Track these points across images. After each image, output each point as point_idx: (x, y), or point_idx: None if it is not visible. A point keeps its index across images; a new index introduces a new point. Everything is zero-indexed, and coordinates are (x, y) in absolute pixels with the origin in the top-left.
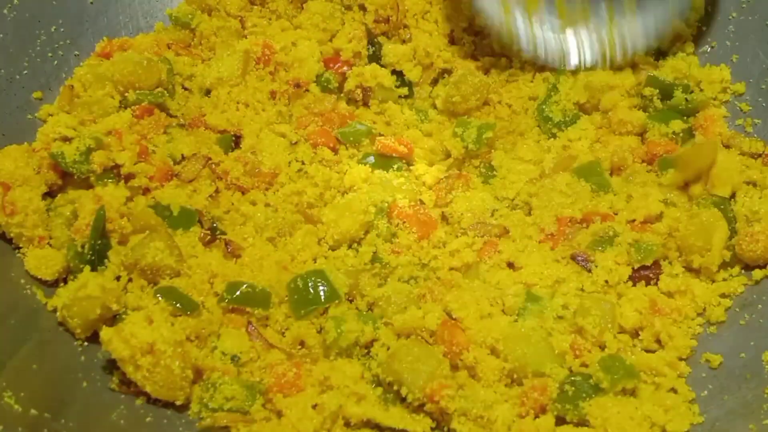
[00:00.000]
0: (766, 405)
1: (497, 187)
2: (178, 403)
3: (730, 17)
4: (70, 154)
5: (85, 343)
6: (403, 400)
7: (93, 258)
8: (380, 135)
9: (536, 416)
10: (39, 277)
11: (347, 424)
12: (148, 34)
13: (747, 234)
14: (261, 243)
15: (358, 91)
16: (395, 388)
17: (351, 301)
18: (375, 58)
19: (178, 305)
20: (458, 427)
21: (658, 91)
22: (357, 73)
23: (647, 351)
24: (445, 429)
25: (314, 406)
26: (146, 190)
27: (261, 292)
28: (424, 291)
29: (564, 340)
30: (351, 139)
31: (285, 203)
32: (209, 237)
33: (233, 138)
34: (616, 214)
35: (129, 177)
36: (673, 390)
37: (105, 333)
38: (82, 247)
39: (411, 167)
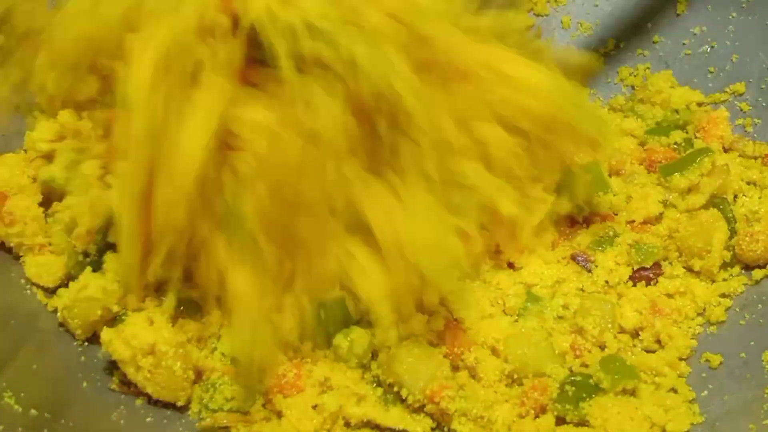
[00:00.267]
0: (766, 405)
1: None
2: (179, 404)
3: (730, 17)
4: (59, 176)
5: (86, 344)
6: (404, 400)
7: (96, 259)
8: None
9: (536, 416)
10: (41, 284)
11: (347, 425)
12: None
13: (747, 234)
14: None
15: None
16: (395, 389)
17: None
18: None
19: (181, 308)
20: (458, 428)
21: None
22: None
23: (647, 351)
24: (446, 429)
25: (314, 407)
26: None
27: None
28: None
29: (564, 341)
30: None
31: None
32: None
33: None
34: (615, 214)
35: None
36: (674, 390)
37: (105, 334)
38: (84, 253)
39: None
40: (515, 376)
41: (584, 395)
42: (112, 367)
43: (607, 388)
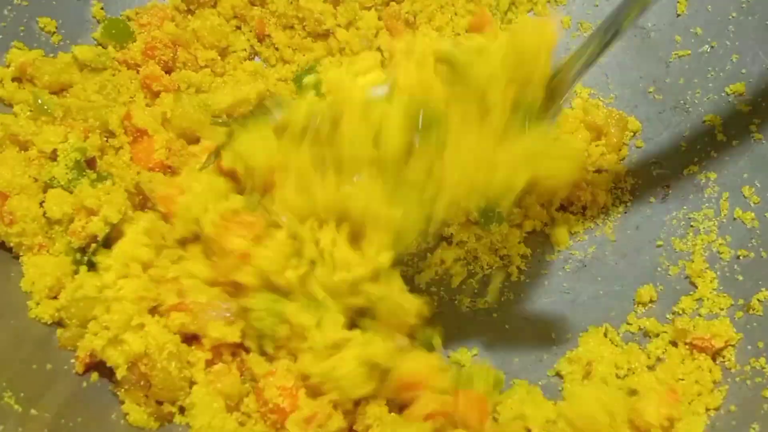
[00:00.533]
0: (766, 405)
1: None
2: (179, 403)
3: (730, 17)
4: (61, 176)
5: None
6: None
7: (93, 258)
8: None
9: None
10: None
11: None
12: None
13: None
14: None
15: None
16: None
17: None
18: None
19: None
20: None
21: None
22: None
23: None
24: None
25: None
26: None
27: None
28: None
29: None
30: None
31: None
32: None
33: None
34: None
35: None
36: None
37: (98, 342)
38: (81, 249)
39: None
40: None
41: None
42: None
43: None
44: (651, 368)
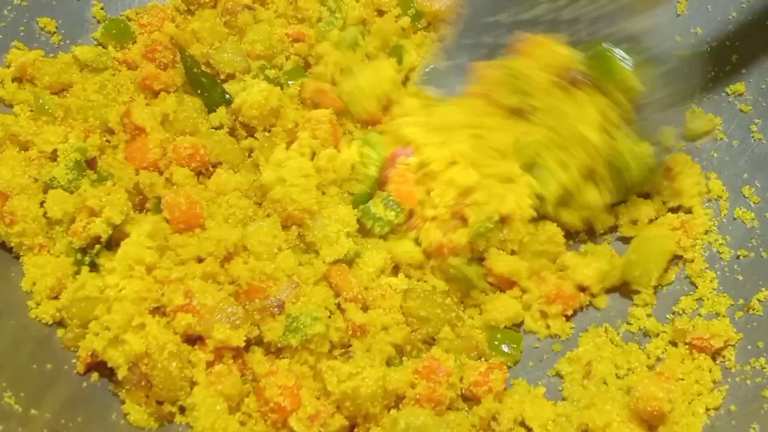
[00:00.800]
0: (766, 405)
1: None
2: (179, 403)
3: (730, 17)
4: (62, 176)
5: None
6: None
7: (95, 258)
8: None
9: None
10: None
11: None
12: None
13: None
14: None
15: None
16: None
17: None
18: None
19: None
20: None
21: None
22: None
23: None
24: None
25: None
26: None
27: None
28: None
29: None
30: None
31: None
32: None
33: None
34: None
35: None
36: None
37: (98, 342)
38: (83, 250)
39: None
40: None
41: None
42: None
43: None
44: (651, 368)
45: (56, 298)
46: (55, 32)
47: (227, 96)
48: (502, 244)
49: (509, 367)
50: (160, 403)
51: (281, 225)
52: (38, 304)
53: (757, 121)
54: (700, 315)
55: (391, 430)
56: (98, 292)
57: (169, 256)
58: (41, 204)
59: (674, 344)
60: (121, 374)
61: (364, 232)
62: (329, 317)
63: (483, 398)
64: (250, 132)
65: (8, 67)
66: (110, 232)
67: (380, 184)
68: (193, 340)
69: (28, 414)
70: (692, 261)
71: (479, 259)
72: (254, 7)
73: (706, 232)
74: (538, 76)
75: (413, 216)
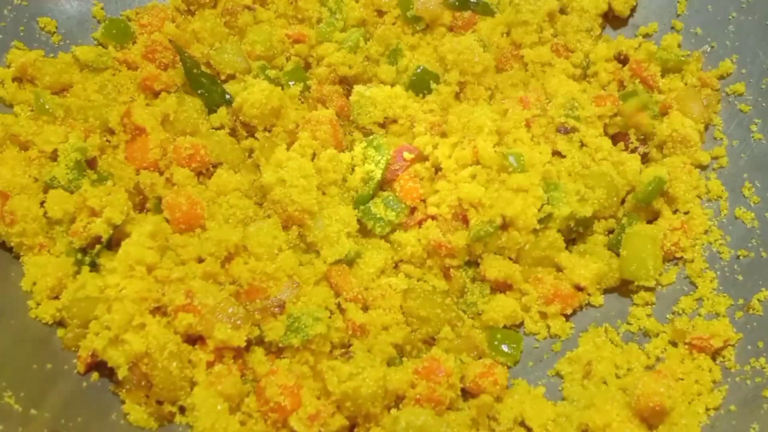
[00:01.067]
0: (766, 405)
1: None
2: (179, 403)
3: (730, 17)
4: (62, 176)
5: None
6: None
7: (96, 258)
8: None
9: None
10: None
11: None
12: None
13: None
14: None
15: None
16: None
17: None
18: None
19: None
20: None
21: None
22: None
23: None
24: None
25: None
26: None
27: None
28: None
29: None
30: None
31: None
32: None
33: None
34: None
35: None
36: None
37: (99, 342)
38: (83, 250)
39: None
40: None
41: None
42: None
43: None
44: (651, 368)
45: (56, 298)
46: (55, 32)
47: (227, 96)
48: (500, 250)
49: (509, 367)
50: (160, 403)
51: (282, 225)
52: (38, 304)
53: (756, 121)
54: (699, 315)
55: (391, 429)
56: (99, 292)
57: (170, 256)
58: (41, 204)
59: (674, 344)
60: (121, 374)
61: (364, 232)
62: (329, 317)
63: (485, 392)
64: (251, 132)
65: (8, 67)
66: (111, 232)
67: (384, 182)
68: (194, 340)
69: (28, 414)
70: (692, 261)
71: (475, 263)
72: (254, 8)
73: (706, 232)
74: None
75: (416, 212)
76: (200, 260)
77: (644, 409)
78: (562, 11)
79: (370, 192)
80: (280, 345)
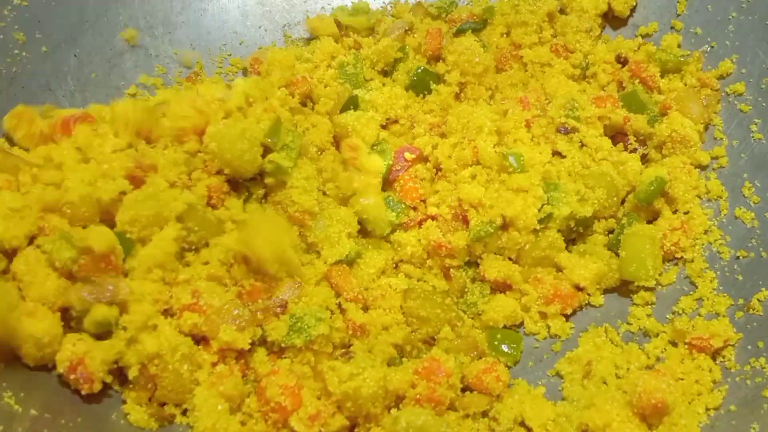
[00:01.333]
0: (766, 405)
1: None
2: (183, 406)
3: (730, 17)
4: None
5: None
6: None
7: None
8: None
9: None
10: None
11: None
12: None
13: None
14: None
15: None
16: None
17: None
18: None
19: None
20: None
21: None
22: None
23: None
24: None
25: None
26: None
27: None
28: None
29: None
30: None
31: None
32: None
33: None
34: None
35: None
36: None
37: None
38: None
39: None
40: None
41: None
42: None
43: None
44: (650, 368)
45: None
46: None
47: None
48: (500, 251)
49: (509, 367)
50: (162, 404)
51: None
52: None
53: (756, 121)
54: (699, 315)
55: (391, 429)
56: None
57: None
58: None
59: (674, 344)
60: (131, 374)
61: (364, 232)
62: (330, 317)
63: (487, 388)
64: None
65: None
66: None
67: (385, 183)
68: (197, 340)
69: (28, 414)
70: (692, 261)
71: (475, 263)
72: None
73: (706, 232)
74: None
75: (416, 211)
76: (205, 262)
77: (645, 407)
78: (562, 11)
79: (375, 198)
80: (283, 345)
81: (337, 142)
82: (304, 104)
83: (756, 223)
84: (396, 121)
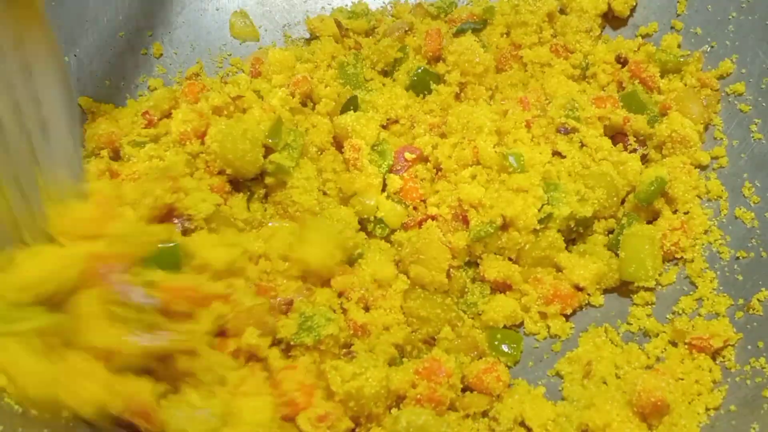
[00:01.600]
0: (766, 405)
1: None
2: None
3: (730, 17)
4: None
5: None
6: None
7: None
8: None
9: None
10: None
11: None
12: None
13: None
14: None
15: None
16: None
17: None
18: None
19: None
20: None
21: None
22: None
23: None
24: None
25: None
26: None
27: None
28: None
29: None
30: None
31: None
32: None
33: None
34: None
35: None
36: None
37: None
38: None
39: None
40: None
41: None
42: None
43: None
44: (650, 368)
45: None
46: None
47: None
48: (500, 251)
49: (509, 367)
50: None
51: None
52: None
53: (756, 121)
54: (699, 315)
55: (392, 428)
56: None
57: None
58: None
59: (674, 344)
60: None
61: (365, 232)
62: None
63: (487, 388)
64: None
65: None
66: None
67: (386, 184)
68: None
69: (28, 414)
70: (692, 261)
71: (475, 263)
72: None
73: (706, 232)
74: None
75: (417, 211)
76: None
77: (645, 406)
78: (562, 12)
79: (376, 199)
80: (292, 343)
81: (337, 143)
82: (304, 104)
83: (756, 223)
84: (396, 121)
